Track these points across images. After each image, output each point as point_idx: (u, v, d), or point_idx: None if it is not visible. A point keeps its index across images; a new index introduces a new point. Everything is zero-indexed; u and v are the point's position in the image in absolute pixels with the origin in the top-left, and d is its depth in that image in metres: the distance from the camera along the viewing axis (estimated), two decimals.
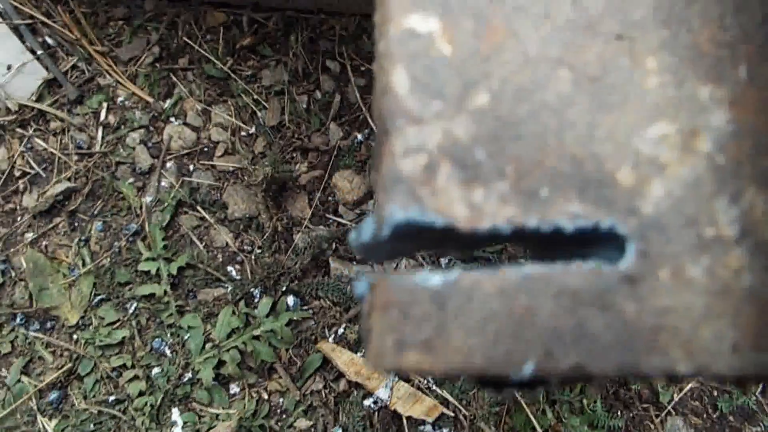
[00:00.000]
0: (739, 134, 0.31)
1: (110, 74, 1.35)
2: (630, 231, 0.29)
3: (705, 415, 1.24)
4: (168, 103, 1.35)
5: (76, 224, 1.26)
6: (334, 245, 1.28)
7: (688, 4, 0.33)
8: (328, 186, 1.32)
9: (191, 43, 1.38)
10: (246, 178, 1.31)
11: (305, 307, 1.23)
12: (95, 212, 1.27)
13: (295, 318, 1.21)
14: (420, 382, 1.19)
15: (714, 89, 0.32)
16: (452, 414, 1.18)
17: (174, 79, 1.36)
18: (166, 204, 1.27)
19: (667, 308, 0.29)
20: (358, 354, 1.19)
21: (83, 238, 1.24)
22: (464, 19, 0.32)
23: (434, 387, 1.19)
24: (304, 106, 1.36)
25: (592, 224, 0.29)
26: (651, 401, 1.24)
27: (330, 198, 1.32)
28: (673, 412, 1.24)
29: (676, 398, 1.24)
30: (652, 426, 1.23)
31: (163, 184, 1.29)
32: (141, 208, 1.27)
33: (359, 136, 1.35)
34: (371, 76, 1.40)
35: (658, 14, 0.33)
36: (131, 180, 1.29)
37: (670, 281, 0.29)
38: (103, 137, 1.31)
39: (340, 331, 1.22)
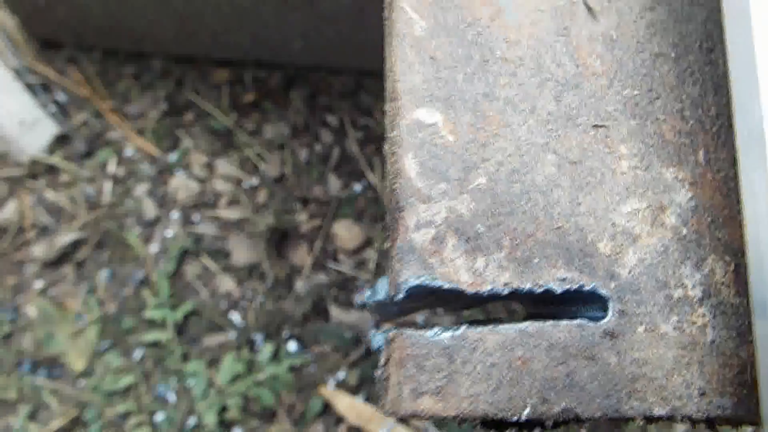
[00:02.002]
0: (699, 210, 0.37)
1: (119, 129, 1.41)
2: (610, 293, 0.35)
3: None
4: (174, 155, 1.41)
5: (84, 273, 1.30)
6: (333, 292, 1.32)
7: (652, 100, 0.39)
8: (328, 235, 1.37)
9: (197, 99, 1.45)
10: (249, 227, 1.36)
11: (306, 353, 1.27)
12: (103, 262, 1.31)
13: (296, 363, 1.24)
14: (419, 426, 1.22)
15: (677, 171, 0.38)
16: None
17: (180, 133, 1.43)
18: (171, 253, 1.31)
19: (643, 360, 0.34)
20: (359, 398, 1.22)
21: (91, 286, 1.28)
22: (464, 112, 0.38)
23: (431, 430, 1.22)
24: (305, 158, 1.43)
25: (577, 287, 0.35)
26: None
27: (329, 246, 1.37)
28: None
29: None
30: None
31: (168, 234, 1.34)
32: (147, 257, 1.31)
33: (357, 187, 1.41)
34: (368, 130, 1.47)
35: (627, 108, 0.39)
36: (138, 230, 1.33)
37: (646, 336, 0.34)
38: (111, 189, 1.37)
39: (341, 376, 1.25)
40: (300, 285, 1.32)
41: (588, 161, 0.37)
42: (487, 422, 0.34)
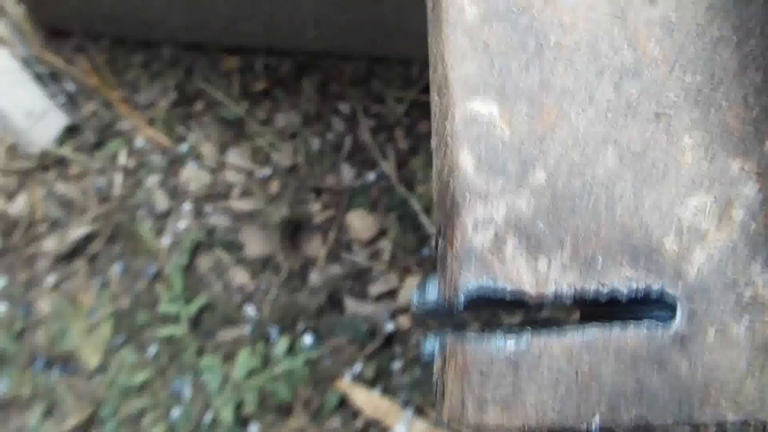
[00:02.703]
0: (761, 204, 0.35)
1: (129, 119, 1.39)
2: (678, 294, 0.33)
3: None
4: (185, 146, 1.39)
5: (97, 267, 1.28)
6: (348, 284, 1.31)
7: (715, 87, 0.37)
8: (341, 225, 1.35)
9: (207, 87, 1.42)
10: (262, 219, 1.34)
11: (322, 346, 1.25)
12: (115, 255, 1.29)
13: (312, 357, 1.23)
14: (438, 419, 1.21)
15: (743, 162, 0.36)
16: None
17: (190, 123, 1.40)
18: (184, 246, 1.30)
19: (715, 364, 0.32)
20: (375, 391, 1.21)
21: (104, 281, 1.27)
22: (519, 103, 0.36)
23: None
24: (317, 147, 1.40)
25: (644, 288, 0.33)
26: None
27: (343, 237, 1.35)
28: None
29: None
30: None
31: (181, 226, 1.32)
32: (160, 250, 1.30)
33: (371, 176, 1.39)
34: (380, 118, 1.45)
35: (689, 96, 0.36)
36: (150, 223, 1.32)
37: (717, 340, 0.32)
38: (122, 181, 1.35)
39: (357, 369, 1.24)
40: (314, 277, 1.30)
41: (651, 153, 0.35)
42: None
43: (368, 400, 1.21)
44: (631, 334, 0.32)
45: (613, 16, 0.37)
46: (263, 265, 1.31)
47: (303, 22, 1.33)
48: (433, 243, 0.38)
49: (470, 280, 0.32)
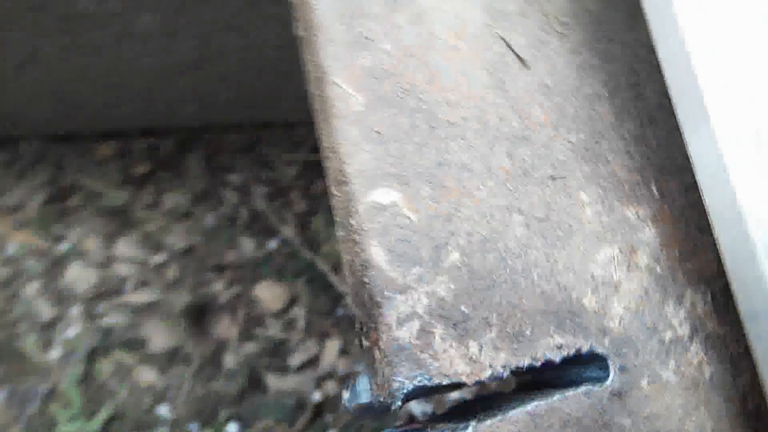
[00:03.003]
0: (666, 244, 0.37)
1: None
2: (606, 350, 0.33)
3: None
4: (65, 245, 1.28)
5: None
6: (265, 361, 1.25)
7: (598, 141, 0.39)
8: (249, 300, 1.29)
9: (82, 179, 1.33)
10: (163, 308, 1.25)
11: None
12: None
13: None
14: None
15: (637, 209, 0.37)
16: None
17: (68, 219, 1.30)
18: (77, 355, 1.18)
19: (655, 414, 0.32)
20: None
21: None
22: (420, 186, 0.35)
23: None
24: (212, 223, 1.35)
25: (575, 351, 0.33)
26: None
27: (254, 312, 1.29)
28: None
29: None
30: None
31: (70, 333, 1.21)
32: (49, 365, 1.17)
33: (272, 244, 1.35)
34: (273, 184, 1.42)
35: (577, 154, 0.38)
36: (34, 337, 1.19)
37: (650, 389, 0.33)
38: None
39: None
40: (229, 360, 1.23)
41: (554, 215, 0.36)
42: None
43: None
44: (572, 401, 0.32)
45: (494, 87, 0.38)
46: (171, 358, 1.22)
47: (181, 98, 1.29)
48: (356, 341, 0.36)
49: (405, 383, 0.30)
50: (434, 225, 0.34)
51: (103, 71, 1.19)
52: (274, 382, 1.22)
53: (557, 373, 0.35)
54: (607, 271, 0.35)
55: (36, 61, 1.15)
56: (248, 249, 1.34)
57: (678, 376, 0.34)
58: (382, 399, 0.32)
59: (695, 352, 0.34)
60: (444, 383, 0.31)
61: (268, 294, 1.30)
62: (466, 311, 0.33)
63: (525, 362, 0.32)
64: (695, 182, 0.40)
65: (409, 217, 0.34)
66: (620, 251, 0.36)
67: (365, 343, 0.34)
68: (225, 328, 1.26)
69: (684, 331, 0.35)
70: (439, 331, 0.32)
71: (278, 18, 1.16)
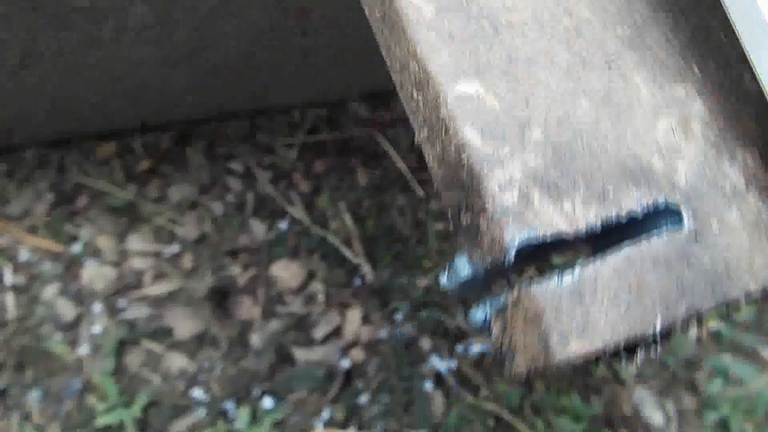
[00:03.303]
0: (714, 114, 0.42)
1: (5, 234, 1.26)
2: (678, 201, 0.38)
3: (661, 377, 1.39)
4: (78, 246, 1.29)
5: (11, 403, 1.14)
6: (291, 336, 1.28)
7: (640, 34, 0.43)
8: (267, 280, 1.32)
9: (86, 180, 1.34)
10: (184, 296, 1.27)
11: (284, 404, 1.21)
12: (29, 383, 1.16)
13: (278, 418, 1.18)
14: None
15: (685, 86, 0.42)
16: None
17: (77, 220, 1.31)
18: (106, 349, 1.19)
19: (727, 249, 0.37)
20: (351, 430, 1.18)
21: (23, 415, 1.12)
22: (497, 78, 0.39)
23: None
24: (221, 211, 1.37)
25: (653, 204, 0.37)
26: (616, 380, 1.36)
27: (273, 291, 1.32)
28: (635, 384, 1.36)
29: (634, 372, 1.37)
30: (622, 402, 1.34)
31: (96, 329, 1.22)
32: (80, 361, 1.18)
33: (283, 225, 1.38)
34: (275, 168, 1.45)
35: (625, 44, 0.43)
36: (60, 336, 1.20)
37: (720, 229, 0.38)
38: (14, 302, 1.21)
39: (326, 415, 1.21)
40: (255, 339, 1.26)
41: (614, 95, 0.41)
42: (623, 349, 0.35)
43: None
44: (657, 243, 0.36)
45: None
46: (199, 343, 1.24)
47: (175, 92, 1.31)
48: (453, 227, 0.40)
49: (515, 239, 0.34)
50: (515, 109, 0.39)
51: (99, 69, 1.20)
52: (301, 354, 1.25)
53: (636, 229, 0.39)
54: (669, 138, 0.40)
55: (31, 65, 1.16)
56: (260, 232, 1.37)
57: (741, 219, 0.38)
58: (489, 263, 0.36)
59: (752, 200, 0.39)
60: (549, 233, 0.35)
61: (285, 272, 1.33)
62: (556, 178, 0.37)
63: (613, 214, 0.36)
64: (729, 62, 0.45)
65: (492, 103, 0.38)
66: (677, 122, 0.41)
67: (465, 220, 0.38)
68: (247, 309, 1.29)
69: (740, 183, 0.40)
70: (536, 194, 0.36)
71: (269, 3, 1.18)
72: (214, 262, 1.31)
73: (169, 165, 1.39)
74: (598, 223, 0.36)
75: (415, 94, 0.41)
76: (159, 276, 1.29)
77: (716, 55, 0.44)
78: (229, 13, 1.19)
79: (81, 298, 1.24)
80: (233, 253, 1.34)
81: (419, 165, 1.50)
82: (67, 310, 1.22)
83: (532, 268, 0.38)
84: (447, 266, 0.41)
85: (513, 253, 0.34)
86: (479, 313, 0.39)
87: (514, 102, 0.39)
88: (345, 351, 1.28)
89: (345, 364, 1.25)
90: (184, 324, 1.24)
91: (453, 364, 1.31)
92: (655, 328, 0.34)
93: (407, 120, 0.43)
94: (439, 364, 1.30)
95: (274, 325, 1.28)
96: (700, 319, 0.35)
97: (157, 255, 1.31)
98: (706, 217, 0.38)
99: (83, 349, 1.20)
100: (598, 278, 0.35)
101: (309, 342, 1.28)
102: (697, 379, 1.39)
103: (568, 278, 0.34)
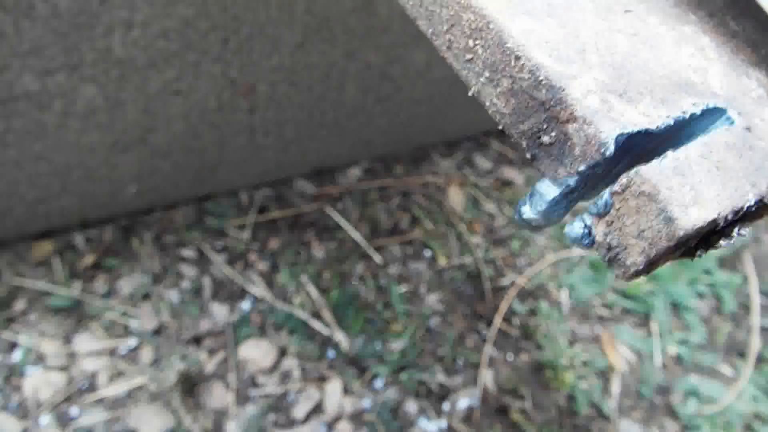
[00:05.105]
0: (718, 45, 0.48)
1: None
2: (723, 104, 0.42)
3: (640, 407, 1.40)
4: (17, 354, 1.15)
5: None
6: (271, 418, 1.18)
7: None
8: (237, 363, 1.24)
9: (23, 282, 1.23)
10: (147, 393, 1.15)
11: None
12: None
13: None
14: None
15: (692, 25, 0.48)
16: None
17: (15, 327, 1.18)
18: None
19: None
20: None
21: None
22: (545, 18, 0.43)
23: None
24: (177, 299, 1.29)
25: (704, 107, 0.41)
26: (600, 416, 1.36)
27: (244, 374, 1.23)
28: (619, 418, 1.37)
29: (614, 405, 1.38)
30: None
31: None
32: None
33: (246, 305, 1.32)
34: (228, 251, 1.40)
35: None
36: None
37: (763, 122, 0.42)
38: None
39: None
40: (233, 427, 1.15)
41: (641, 32, 0.46)
42: (707, 235, 0.37)
43: None
44: (721, 134, 0.40)
45: None
46: None
47: (122, 180, 1.27)
48: (531, 156, 0.41)
49: (611, 131, 0.37)
50: (569, 40, 0.42)
51: (43, 161, 1.15)
52: None
53: (695, 129, 0.42)
54: (694, 60, 0.45)
55: None
56: (222, 314, 1.29)
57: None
58: (583, 168, 0.38)
59: None
60: (637, 129, 0.37)
61: (255, 352, 1.25)
62: (623, 88, 0.40)
63: (679, 114, 0.40)
64: (716, 10, 0.52)
65: (549, 36, 0.42)
66: (696, 49, 0.46)
67: (547, 138, 0.40)
68: (219, 396, 1.18)
69: (762, 92, 0.45)
70: (613, 99, 0.39)
71: (217, 78, 1.21)
72: (177, 351, 1.22)
73: (115, 258, 1.31)
74: (671, 122, 0.39)
75: (471, 43, 0.44)
76: (115, 375, 1.17)
77: (705, 4, 0.52)
78: (178, 92, 1.20)
79: (25, 410, 1.09)
80: (196, 340, 1.25)
81: (372, 234, 1.51)
82: (10, 426, 1.06)
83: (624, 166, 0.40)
84: (527, 195, 0.42)
85: (612, 146, 0.37)
86: (576, 226, 0.40)
87: (566, 35, 0.43)
88: (330, 426, 1.19)
89: None
90: (150, 422, 1.12)
91: (443, 423, 1.25)
92: (749, 201, 0.37)
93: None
94: (428, 425, 1.25)
95: (251, 409, 1.18)
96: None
97: (111, 353, 1.19)
98: (750, 116, 0.42)
99: None
100: (690, 162, 0.37)
101: (290, 423, 1.18)
102: (672, 404, 1.42)
103: (668, 161, 0.37)
